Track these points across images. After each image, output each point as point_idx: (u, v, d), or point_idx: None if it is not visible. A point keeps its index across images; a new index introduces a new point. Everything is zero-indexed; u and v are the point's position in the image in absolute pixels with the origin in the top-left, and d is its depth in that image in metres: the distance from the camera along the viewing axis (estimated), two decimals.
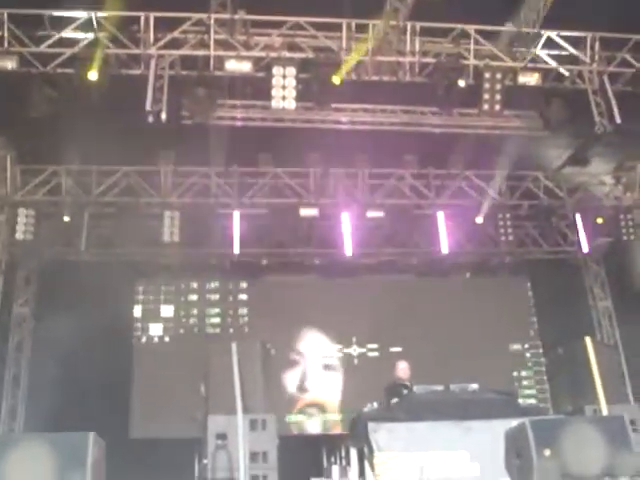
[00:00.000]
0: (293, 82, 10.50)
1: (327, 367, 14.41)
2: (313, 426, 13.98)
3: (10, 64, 9.96)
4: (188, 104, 10.67)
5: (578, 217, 14.28)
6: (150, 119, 10.26)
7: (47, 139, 11.17)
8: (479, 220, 14.06)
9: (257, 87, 11.13)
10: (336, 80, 10.50)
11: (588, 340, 9.85)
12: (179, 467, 10.58)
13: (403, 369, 9.62)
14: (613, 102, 10.93)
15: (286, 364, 13.96)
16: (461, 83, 10.69)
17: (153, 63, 10.37)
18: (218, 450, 7.53)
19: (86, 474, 4.62)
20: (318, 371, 14.35)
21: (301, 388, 14.07)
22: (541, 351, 14.63)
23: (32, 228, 12.86)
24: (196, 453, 9.31)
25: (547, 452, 4.83)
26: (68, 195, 13.12)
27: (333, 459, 9.74)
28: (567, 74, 11.28)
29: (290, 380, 14.03)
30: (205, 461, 7.77)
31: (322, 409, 14.01)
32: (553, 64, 11.19)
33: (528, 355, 14.85)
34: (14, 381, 13.30)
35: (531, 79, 10.96)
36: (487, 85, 10.82)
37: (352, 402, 10.08)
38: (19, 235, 12.83)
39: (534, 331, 14.98)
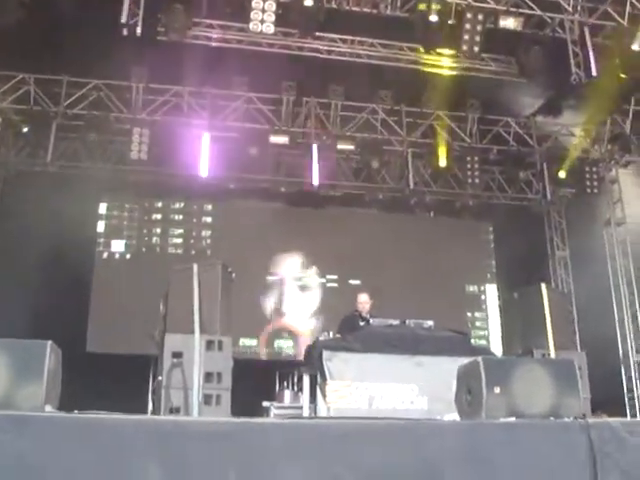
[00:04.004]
0: (273, 6, 10.32)
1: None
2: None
3: None
4: (164, 20, 10.46)
5: (545, 166, 14.42)
6: (125, 32, 10.05)
7: (17, 45, 10.84)
8: (442, 163, 14.08)
9: (236, 8, 10.94)
10: (308, 2, 10.35)
11: (543, 286, 10.07)
12: (134, 383, 10.74)
13: (362, 303, 9.71)
14: (591, 54, 10.95)
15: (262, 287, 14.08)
16: (433, 18, 10.54)
17: None
18: (173, 368, 7.63)
19: (42, 383, 4.60)
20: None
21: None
22: (497, 294, 14.92)
23: None
24: (151, 370, 9.44)
25: (497, 390, 4.95)
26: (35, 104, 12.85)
27: (285, 384, 9.93)
28: (549, 21, 11.23)
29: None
30: (160, 378, 7.88)
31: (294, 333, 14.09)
32: (536, 10, 11.12)
33: (483, 297, 15.13)
34: None
35: (512, 23, 10.90)
36: (468, 26, 10.74)
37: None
38: None
39: (491, 274, 15.25)
